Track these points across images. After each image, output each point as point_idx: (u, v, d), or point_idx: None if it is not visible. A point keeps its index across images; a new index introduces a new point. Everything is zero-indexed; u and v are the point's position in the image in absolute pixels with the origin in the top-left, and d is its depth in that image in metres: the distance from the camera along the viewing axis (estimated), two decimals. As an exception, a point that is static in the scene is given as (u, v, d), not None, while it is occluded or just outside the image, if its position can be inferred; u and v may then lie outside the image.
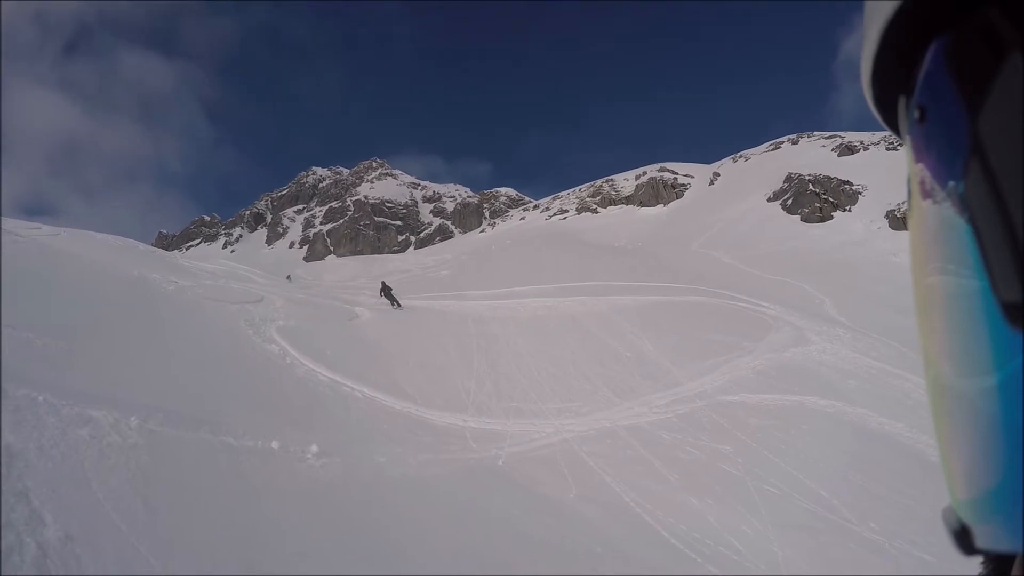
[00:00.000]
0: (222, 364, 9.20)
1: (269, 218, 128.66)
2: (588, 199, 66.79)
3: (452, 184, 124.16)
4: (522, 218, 70.94)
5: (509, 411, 10.02)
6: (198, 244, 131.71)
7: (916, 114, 0.36)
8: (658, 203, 61.59)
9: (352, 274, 42.41)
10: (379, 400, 9.77)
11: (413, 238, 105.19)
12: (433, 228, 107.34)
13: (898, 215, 35.55)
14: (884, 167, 43.74)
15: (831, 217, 41.13)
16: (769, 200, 47.79)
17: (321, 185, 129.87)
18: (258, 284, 21.24)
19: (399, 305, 19.20)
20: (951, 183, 0.32)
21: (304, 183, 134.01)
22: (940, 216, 0.34)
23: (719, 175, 61.40)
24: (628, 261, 28.39)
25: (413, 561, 4.65)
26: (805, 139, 60.29)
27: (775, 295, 19.29)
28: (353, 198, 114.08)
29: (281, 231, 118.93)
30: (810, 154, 54.08)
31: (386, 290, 20.13)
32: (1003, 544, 0.32)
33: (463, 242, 63.19)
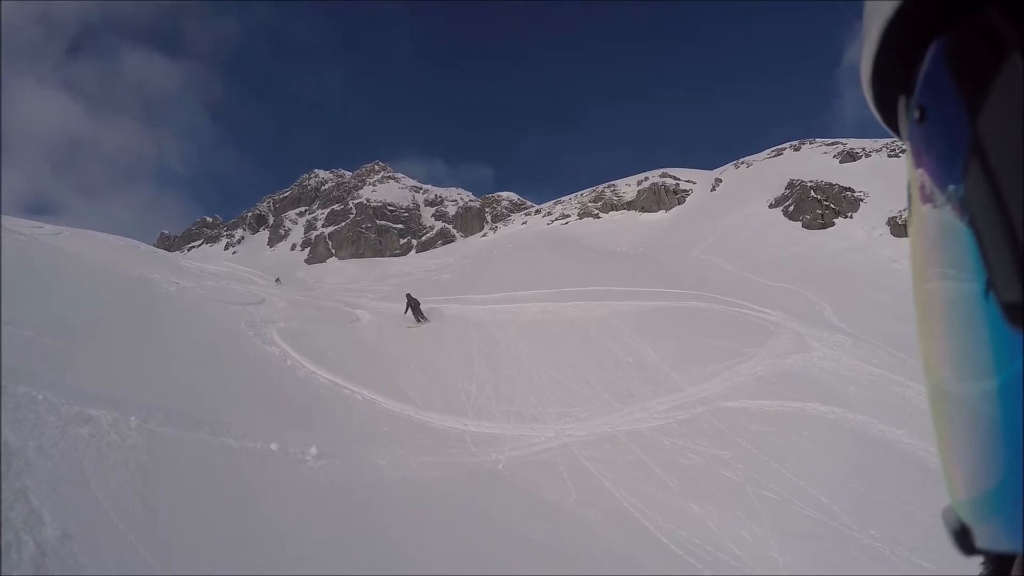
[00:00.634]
0: (223, 365, 9.20)
1: (271, 220, 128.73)
2: (590, 204, 66.81)
3: (454, 188, 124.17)
4: (524, 223, 70.96)
5: (509, 415, 10.01)
6: (200, 245, 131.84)
7: (916, 114, 0.36)
8: (660, 209, 61.59)
9: (354, 277, 42.53)
10: (380, 403, 9.78)
11: (415, 241, 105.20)
12: (435, 232, 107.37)
13: (899, 222, 35.54)
14: (886, 174, 43.76)
15: (832, 224, 41.10)
16: (771, 206, 47.79)
17: (323, 187, 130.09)
18: (260, 286, 21.29)
19: (425, 319, 16.93)
20: (951, 184, 0.32)
21: (306, 185, 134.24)
22: (940, 219, 0.34)
23: (721, 181, 61.42)
24: (629, 266, 28.37)
25: (414, 562, 4.64)
26: (807, 146, 60.30)
27: (776, 301, 19.25)
28: (355, 201, 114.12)
29: (283, 233, 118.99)
30: (812, 161, 54.09)
31: (413, 304, 17.16)
32: (1003, 544, 0.32)
33: (465, 246, 63.21)
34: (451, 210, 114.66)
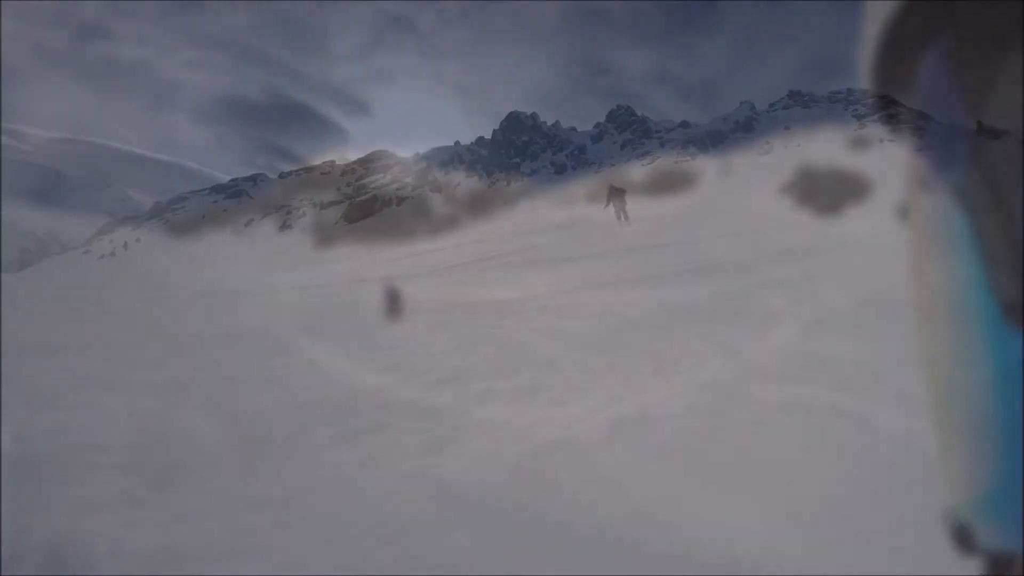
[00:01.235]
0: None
1: (281, 204, 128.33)
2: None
3: (463, 172, 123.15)
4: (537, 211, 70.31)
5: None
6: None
7: (917, 114, 0.37)
8: (669, 193, 60.94)
9: (368, 261, 42.06)
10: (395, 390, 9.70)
11: (427, 226, 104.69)
12: (446, 217, 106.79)
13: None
14: (898, 162, 42.88)
15: (843, 211, 40.46)
16: (780, 192, 47.13)
17: (334, 171, 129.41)
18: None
19: (627, 217, 15.45)
20: (951, 184, 0.33)
21: (317, 170, 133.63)
22: (940, 217, 0.35)
23: (731, 165, 60.58)
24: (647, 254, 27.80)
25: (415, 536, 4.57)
26: (820, 131, 59.24)
27: (783, 288, 18.92)
28: (367, 181, 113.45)
29: (294, 217, 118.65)
30: (824, 147, 53.14)
31: (616, 194, 15.89)
32: (1003, 544, 0.32)
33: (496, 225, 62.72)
34: (462, 196, 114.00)
